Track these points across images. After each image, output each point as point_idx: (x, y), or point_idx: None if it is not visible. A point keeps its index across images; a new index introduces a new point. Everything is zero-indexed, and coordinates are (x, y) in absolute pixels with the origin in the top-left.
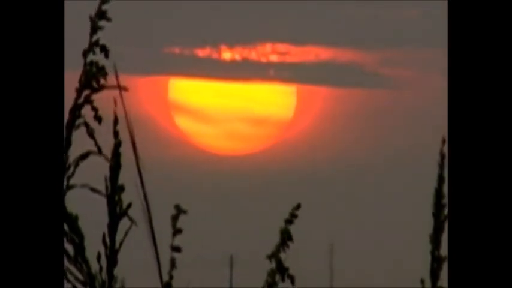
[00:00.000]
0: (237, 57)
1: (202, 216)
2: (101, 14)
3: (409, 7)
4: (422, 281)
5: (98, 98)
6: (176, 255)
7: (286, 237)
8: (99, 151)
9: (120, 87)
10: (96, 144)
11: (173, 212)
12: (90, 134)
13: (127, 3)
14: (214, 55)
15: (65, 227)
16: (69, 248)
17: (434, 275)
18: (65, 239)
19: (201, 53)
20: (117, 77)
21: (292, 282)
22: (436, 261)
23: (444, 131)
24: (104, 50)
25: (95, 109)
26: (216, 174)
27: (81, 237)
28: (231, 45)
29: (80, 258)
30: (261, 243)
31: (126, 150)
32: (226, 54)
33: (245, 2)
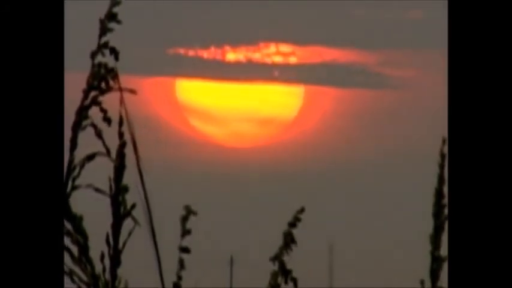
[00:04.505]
0: (241, 58)
1: (202, 216)
2: (111, 16)
3: (414, 8)
4: (422, 282)
5: (103, 99)
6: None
7: (289, 240)
8: (108, 152)
9: (124, 89)
10: (104, 145)
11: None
12: (99, 135)
13: (128, 3)
14: (219, 56)
15: (70, 227)
16: (74, 248)
17: (434, 275)
18: (69, 240)
19: (205, 54)
20: (118, 78)
21: (295, 284)
22: (436, 262)
23: (446, 132)
24: (114, 52)
25: (104, 111)
26: (218, 173)
27: (85, 237)
28: (234, 46)
29: (84, 258)
30: (261, 243)
31: (130, 150)
32: (231, 55)
33: (247, 3)
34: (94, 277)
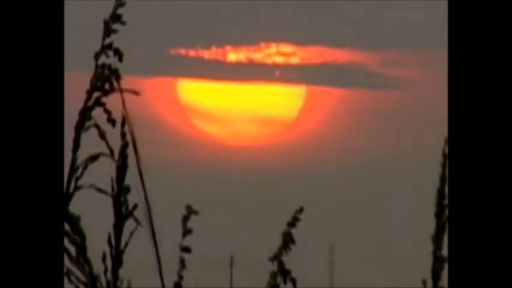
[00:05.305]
0: (242, 58)
1: (203, 215)
2: (116, 17)
3: (414, 8)
4: (424, 282)
5: (106, 100)
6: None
7: (288, 240)
8: (111, 153)
9: (127, 91)
10: (108, 146)
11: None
12: (102, 135)
13: (128, 3)
14: (220, 56)
15: (68, 227)
16: (72, 248)
17: (436, 275)
18: (67, 240)
19: (206, 54)
20: (119, 79)
21: (294, 284)
22: (437, 262)
23: (446, 132)
24: (118, 53)
25: (108, 112)
26: (219, 173)
27: (83, 238)
28: (235, 46)
29: (82, 258)
30: (261, 243)
31: (130, 151)
32: (232, 56)
33: (248, 3)
34: (92, 277)
